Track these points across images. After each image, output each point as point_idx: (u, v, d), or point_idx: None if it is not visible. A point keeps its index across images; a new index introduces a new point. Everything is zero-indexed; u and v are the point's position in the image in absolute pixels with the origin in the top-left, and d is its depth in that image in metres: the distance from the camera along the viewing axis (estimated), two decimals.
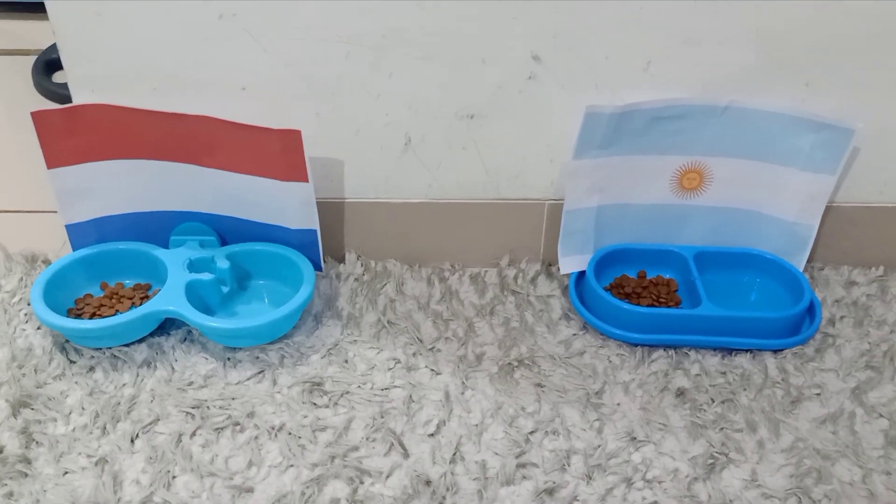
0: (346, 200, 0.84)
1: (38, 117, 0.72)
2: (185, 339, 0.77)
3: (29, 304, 0.79)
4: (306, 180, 0.76)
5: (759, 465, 0.66)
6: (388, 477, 0.65)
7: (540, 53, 0.73)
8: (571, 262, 0.82)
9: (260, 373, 0.74)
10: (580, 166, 0.77)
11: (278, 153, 0.74)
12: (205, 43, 0.72)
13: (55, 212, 0.78)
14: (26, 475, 0.64)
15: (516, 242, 0.86)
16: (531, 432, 0.69)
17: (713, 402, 0.71)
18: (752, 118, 0.75)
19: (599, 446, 0.67)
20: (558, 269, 0.85)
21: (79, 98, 0.75)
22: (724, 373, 0.74)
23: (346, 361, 0.75)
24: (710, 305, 0.76)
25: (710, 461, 0.66)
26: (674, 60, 0.73)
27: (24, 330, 0.76)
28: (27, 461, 0.64)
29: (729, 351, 0.76)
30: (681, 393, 0.72)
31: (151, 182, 0.78)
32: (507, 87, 0.75)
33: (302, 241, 0.81)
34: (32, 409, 0.69)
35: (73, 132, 0.74)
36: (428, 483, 0.64)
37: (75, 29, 0.71)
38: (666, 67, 0.74)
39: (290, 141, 0.73)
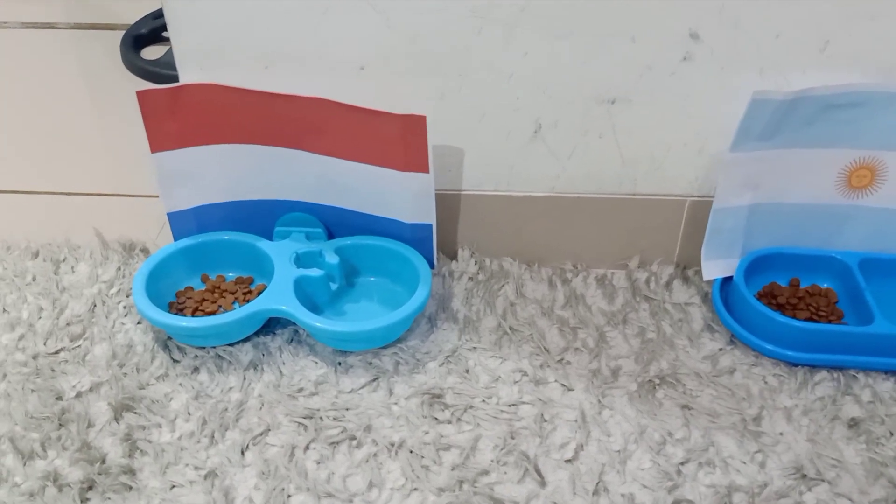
0: (463, 192, 0.76)
1: (143, 97, 0.67)
2: (291, 340, 0.71)
3: (128, 296, 0.74)
4: (427, 170, 0.69)
5: None
6: None
7: (700, 30, 0.64)
8: (716, 267, 0.73)
9: (374, 380, 0.67)
10: (736, 159, 0.68)
11: (398, 140, 0.67)
12: (324, 16, 0.65)
13: (149, 196, 0.73)
14: (131, 488, 0.59)
15: (648, 242, 0.78)
16: (682, 462, 0.61)
17: (892, 434, 0.62)
18: None
19: (766, 484, 0.59)
20: (695, 274, 0.77)
21: (186, 74, 0.69)
22: None
23: (467, 371, 0.68)
24: (886, 323, 0.66)
25: None
26: (856, 39, 0.63)
27: (123, 324, 0.72)
28: (131, 472, 0.59)
29: None
30: (854, 423, 0.63)
31: (258, 168, 0.72)
32: (658, 68, 0.66)
33: (415, 236, 0.74)
34: (136, 412, 0.64)
35: (178, 114, 0.68)
36: None
37: None
38: (846, 48, 0.64)
39: (412, 127, 0.66)
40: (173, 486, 0.59)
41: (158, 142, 0.70)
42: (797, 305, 0.72)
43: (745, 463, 0.60)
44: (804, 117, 0.66)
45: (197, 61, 0.68)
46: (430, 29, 0.65)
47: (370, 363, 0.69)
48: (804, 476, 0.59)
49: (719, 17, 0.63)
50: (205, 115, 0.69)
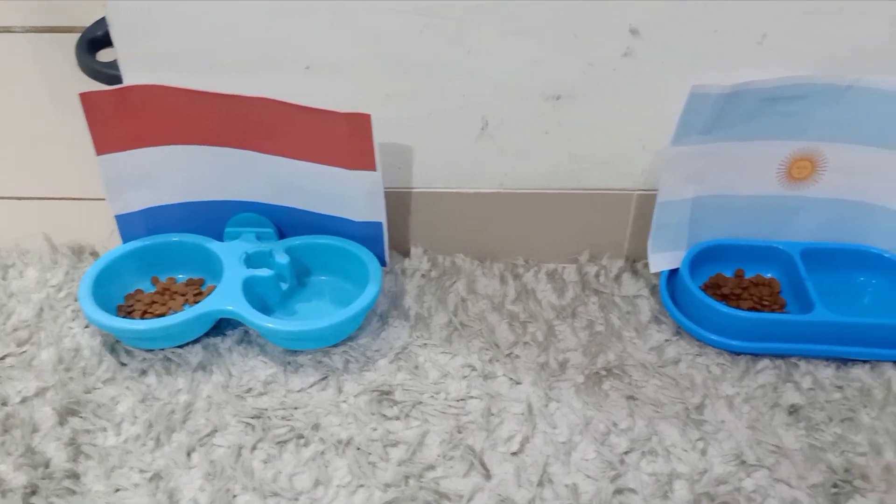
0: (413, 190, 0.77)
1: (86, 99, 0.66)
2: (241, 341, 0.71)
3: (76, 301, 0.74)
4: (374, 168, 0.69)
5: (887, 494, 0.59)
6: (469, 501, 0.58)
7: (639, 26, 0.65)
8: (662, 260, 0.74)
9: (323, 379, 0.67)
10: (679, 153, 0.69)
11: (345, 139, 0.68)
12: (271, 16, 0.65)
13: (100, 199, 0.72)
14: (74, 492, 0.58)
15: (598, 237, 0.79)
16: (626, 452, 0.62)
17: (831, 420, 0.64)
18: (879, 100, 0.66)
19: (706, 471, 0.60)
20: (644, 267, 0.78)
21: (130, 77, 0.68)
22: (841, 387, 0.66)
23: (417, 367, 0.69)
24: (825, 311, 0.67)
25: (834, 490, 0.59)
26: (794, 33, 0.64)
27: (70, 329, 0.71)
28: (75, 476, 0.59)
29: (843, 361, 0.68)
30: (794, 410, 0.64)
31: (206, 170, 0.72)
32: (600, 64, 0.67)
33: (366, 235, 0.74)
34: (81, 417, 0.63)
35: (124, 115, 0.68)
36: None
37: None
38: (784, 41, 0.65)
39: (358, 126, 0.66)
40: (118, 490, 0.59)
41: (104, 144, 0.69)
42: (741, 296, 0.73)
43: (686, 451, 0.61)
44: (744, 110, 0.67)
45: (140, 64, 0.68)
46: (374, 27, 0.65)
47: (320, 362, 0.69)
48: (744, 462, 0.60)
49: (658, 12, 0.64)
50: (152, 116, 0.68)
